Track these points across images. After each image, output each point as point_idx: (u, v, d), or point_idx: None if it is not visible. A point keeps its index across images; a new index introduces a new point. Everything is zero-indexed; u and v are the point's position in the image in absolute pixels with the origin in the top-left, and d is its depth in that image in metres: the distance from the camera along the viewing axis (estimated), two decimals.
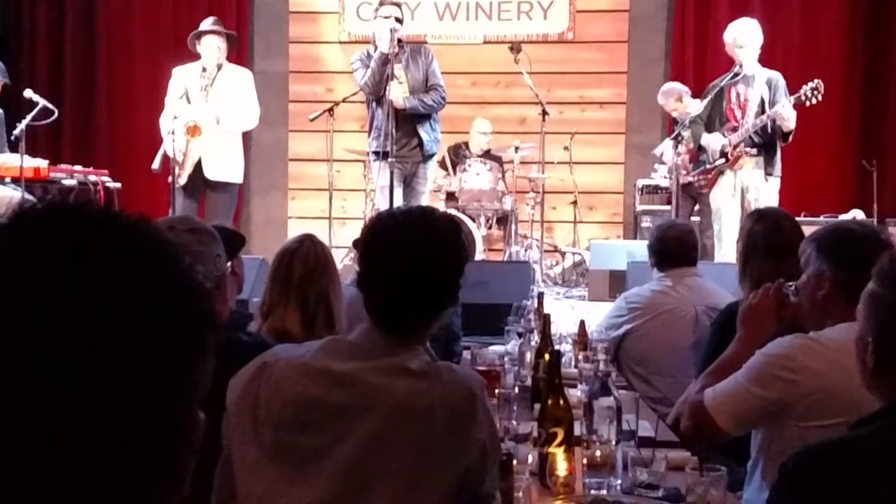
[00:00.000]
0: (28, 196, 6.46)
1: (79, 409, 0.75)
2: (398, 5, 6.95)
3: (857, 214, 7.55)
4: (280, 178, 9.49)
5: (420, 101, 6.77)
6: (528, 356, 3.49)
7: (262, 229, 9.25)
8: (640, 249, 5.91)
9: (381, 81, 6.65)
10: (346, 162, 8.35)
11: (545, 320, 3.40)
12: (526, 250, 8.07)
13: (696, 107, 6.76)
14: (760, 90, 6.56)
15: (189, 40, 7.01)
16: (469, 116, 8.72)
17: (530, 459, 2.36)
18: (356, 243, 2.21)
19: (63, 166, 7.48)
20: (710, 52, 8.63)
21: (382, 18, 6.78)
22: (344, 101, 7.39)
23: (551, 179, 8.37)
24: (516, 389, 3.02)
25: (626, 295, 4.47)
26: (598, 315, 4.78)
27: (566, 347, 3.92)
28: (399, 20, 6.81)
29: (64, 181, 7.18)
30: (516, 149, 8.21)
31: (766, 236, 3.33)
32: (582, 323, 4.12)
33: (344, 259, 7.31)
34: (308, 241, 3.11)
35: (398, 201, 6.63)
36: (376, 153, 6.83)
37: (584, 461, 2.36)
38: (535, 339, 3.65)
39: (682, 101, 7.50)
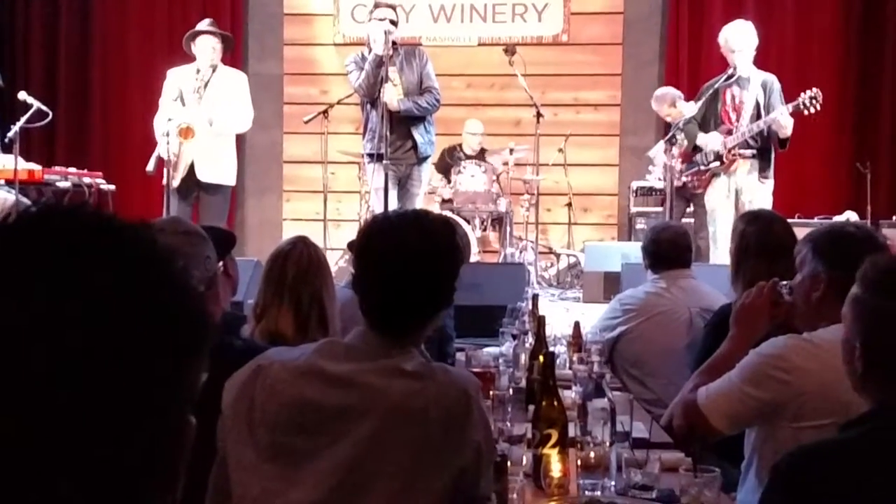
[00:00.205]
0: (22, 199, 6.46)
1: (74, 410, 0.75)
2: (393, 7, 6.95)
3: (851, 216, 7.56)
4: (274, 180, 9.49)
5: (414, 104, 6.77)
6: (523, 358, 3.49)
7: (257, 231, 9.25)
8: (634, 251, 5.92)
9: (376, 84, 6.66)
10: (341, 164, 8.35)
11: (539, 322, 3.40)
12: (521, 252, 8.08)
13: (689, 109, 6.76)
14: (755, 93, 6.57)
15: (184, 41, 6.99)
16: (464, 118, 8.73)
17: (524, 461, 2.36)
18: (351, 245, 2.22)
19: (57, 168, 7.48)
20: (704, 54, 8.65)
21: (377, 21, 6.78)
22: (338, 103, 7.39)
23: (546, 181, 8.39)
24: (511, 391, 3.02)
25: (621, 297, 4.47)
26: (592, 317, 4.78)
27: (560, 349, 3.92)
28: (394, 22, 6.82)
29: (58, 183, 7.18)
30: (511, 151, 8.22)
31: (759, 238, 3.33)
32: (576, 325, 4.11)
33: (338, 261, 7.32)
34: (301, 243, 3.11)
35: (392, 203, 6.63)
36: (371, 155, 6.83)
37: (579, 462, 2.36)
38: (530, 340, 3.65)
39: (675, 107, 7.50)
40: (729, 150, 6.55)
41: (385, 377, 1.92)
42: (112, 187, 7.60)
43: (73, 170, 7.50)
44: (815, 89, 6.29)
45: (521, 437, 2.63)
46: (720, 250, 6.39)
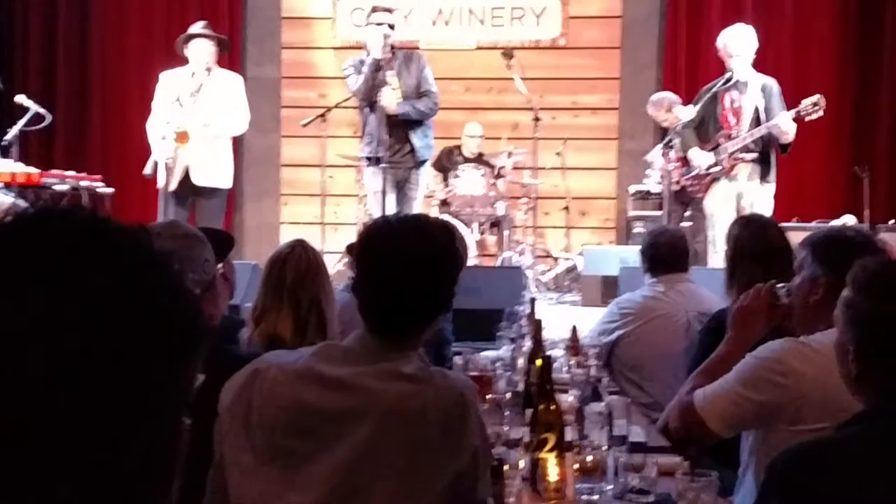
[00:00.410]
0: (20, 201, 6.45)
1: (72, 413, 0.75)
2: (391, 11, 6.96)
3: (849, 220, 7.56)
4: (272, 183, 9.48)
5: (412, 107, 6.77)
6: (520, 362, 3.49)
7: (255, 235, 9.24)
8: (632, 255, 5.91)
9: (374, 87, 6.66)
10: (339, 167, 8.34)
11: (537, 326, 3.40)
12: (519, 256, 8.08)
13: (686, 114, 6.75)
14: (755, 97, 6.56)
15: (177, 44, 6.92)
16: (462, 122, 8.72)
17: (521, 465, 2.36)
18: (351, 248, 2.22)
19: (55, 172, 7.46)
20: (702, 58, 8.65)
21: (375, 24, 6.79)
22: (336, 106, 7.39)
23: (544, 185, 8.39)
24: (508, 395, 3.03)
25: (619, 300, 4.48)
26: (590, 321, 4.78)
27: (558, 353, 3.92)
28: (391, 26, 6.82)
29: (56, 186, 7.17)
30: (509, 154, 8.22)
31: (753, 242, 3.33)
32: (574, 329, 4.11)
33: (337, 264, 7.31)
34: (299, 247, 3.12)
35: (391, 207, 6.63)
36: (369, 159, 6.82)
37: (576, 466, 2.36)
38: (527, 344, 3.64)
39: (671, 112, 7.48)
40: (730, 155, 6.55)
41: (383, 380, 1.92)
42: (110, 191, 7.59)
43: (71, 173, 7.48)
44: (818, 95, 6.29)
45: (519, 441, 2.63)
46: (720, 254, 6.38)
